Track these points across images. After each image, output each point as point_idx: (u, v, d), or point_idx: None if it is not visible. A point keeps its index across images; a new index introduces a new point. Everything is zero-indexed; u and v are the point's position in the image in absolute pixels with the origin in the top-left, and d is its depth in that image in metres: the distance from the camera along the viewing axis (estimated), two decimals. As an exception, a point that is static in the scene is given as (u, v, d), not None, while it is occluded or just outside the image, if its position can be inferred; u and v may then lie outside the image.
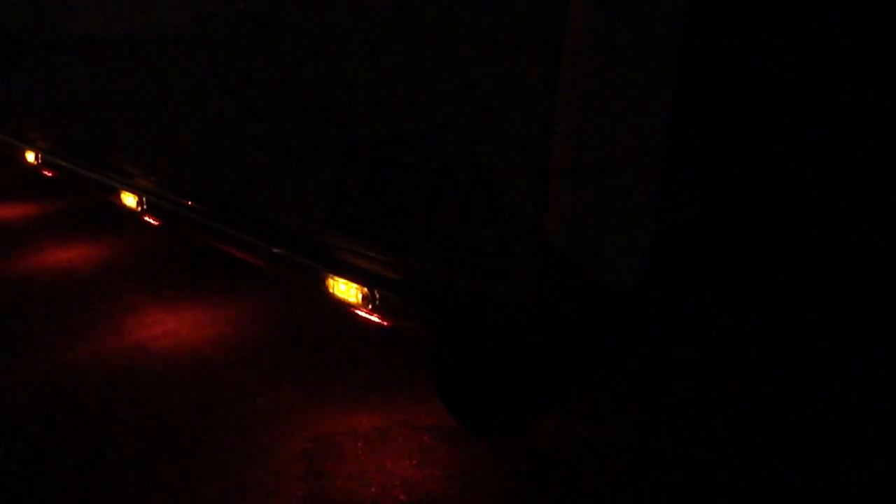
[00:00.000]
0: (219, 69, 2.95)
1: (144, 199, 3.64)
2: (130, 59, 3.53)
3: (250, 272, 3.79)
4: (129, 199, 3.74)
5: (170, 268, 4.33)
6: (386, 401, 2.80)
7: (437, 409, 2.59)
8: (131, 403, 2.78)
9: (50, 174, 4.81)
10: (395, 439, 2.54)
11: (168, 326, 3.45)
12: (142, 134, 3.64)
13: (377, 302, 2.38)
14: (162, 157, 3.55)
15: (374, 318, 2.45)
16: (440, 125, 2.06)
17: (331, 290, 2.54)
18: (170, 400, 2.80)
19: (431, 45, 2.05)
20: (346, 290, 2.47)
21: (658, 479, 2.36)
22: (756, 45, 2.57)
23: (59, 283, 4.02)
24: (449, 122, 2.03)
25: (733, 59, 2.51)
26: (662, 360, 3.09)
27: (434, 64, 2.04)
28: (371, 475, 2.34)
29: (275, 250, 2.85)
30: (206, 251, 4.10)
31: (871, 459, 2.47)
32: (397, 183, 2.20)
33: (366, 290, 2.39)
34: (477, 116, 1.95)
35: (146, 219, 3.73)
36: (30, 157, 4.83)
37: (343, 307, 2.52)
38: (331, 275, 2.52)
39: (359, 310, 2.46)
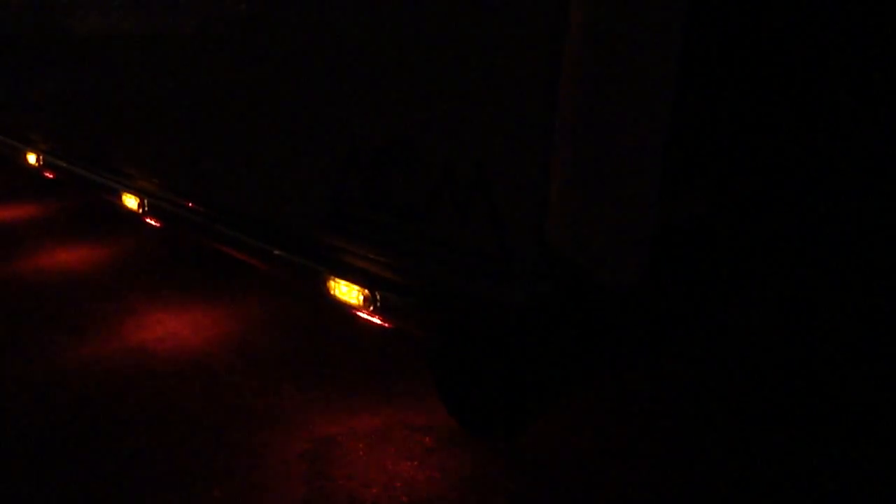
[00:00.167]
0: (220, 70, 2.95)
1: (145, 200, 3.64)
2: (132, 60, 3.53)
3: (251, 274, 3.80)
4: (131, 201, 3.74)
5: (171, 269, 4.34)
6: (387, 402, 2.80)
7: (438, 411, 2.59)
8: (132, 405, 2.78)
9: (51, 176, 4.81)
10: (396, 440, 2.54)
11: (169, 328, 3.46)
12: (143, 135, 3.65)
13: (378, 303, 2.38)
14: (163, 159, 3.55)
15: (375, 320, 2.45)
16: (441, 126, 2.06)
17: (332, 292, 2.54)
18: (170, 401, 2.80)
19: (432, 46, 2.05)
20: (347, 291, 2.47)
21: (658, 478, 2.36)
22: (757, 45, 2.57)
23: (60, 285, 4.02)
24: (450, 123, 2.03)
25: (734, 59, 2.51)
26: (662, 361, 3.09)
27: (435, 65, 2.04)
28: (372, 476, 2.34)
29: (276, 252, 2.85)
30: (207, 253, 4.11)
31: (871, 460, 2.46)
32: (398, 184, 2.20)
33: (367, 291, 2.39)
34: (477, 117, 1.95)
35: (147, 220, 3.74)
36: (31, 158, 4.84)
37: (344, 309, 2.53)
38: (332, 276, 2.53)
39: (360, 311, 2.46)
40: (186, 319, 3.56)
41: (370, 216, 2.32)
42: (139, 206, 3.68)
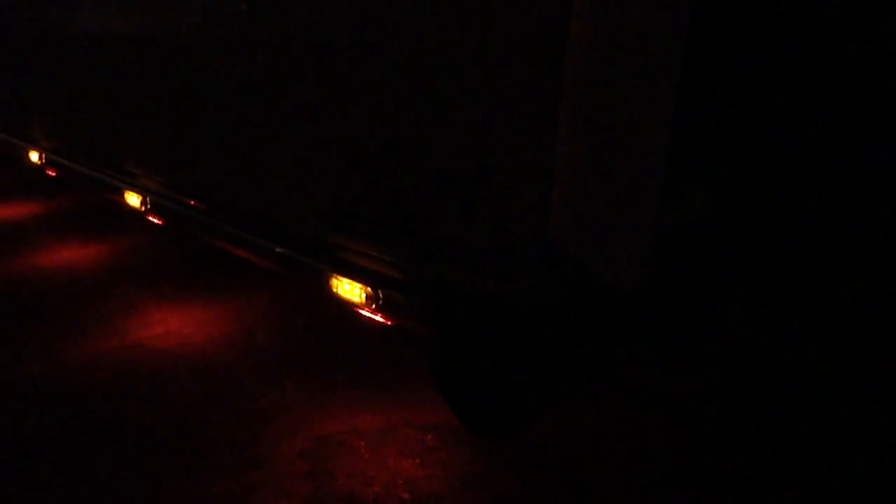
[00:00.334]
0: (223, 70, 2.96)
1: (148, 198, 3.65)
2: (134, 59, 3.54)
3: (254, 272, 3.80)
4: (133, 199, 3.75)
5: (173, 267, 4.34)
6: (388, 400, 2.80)
7: (440, 409, 2.59)
8: (134, 402, 2.79)
9: (53, 174, 4.83)
10: (398, 438, 2.55)
11: (171, 325, 3.46)
12: (146, 134, 3.65)
13: (381, 301, 2.38)
14: (166, 157, 3.56)
15: (378, 318, 2.46)
16: (444, 125, 2.07)
17: (334, 290, 2.54)
18: (172, 399, 2.81)
19: (435, 46, 2.05)
20: (349, 289, 2.48)
21: (659, 477, 2.36)
22: (759, 45, 2.57)
23: (62, 282, 4.03)
24: (453, 122, 2.04)
25: (736, 59, 2.52)
26: (665, 359, 3.09)
27: (438, 64, 2.05)
28: (374, 474, 2.35)
29: (278, 250, 2.86)
30: (209, 251, 4.11)
31: (871, 460, 2.47)
32: (401, 183, 2.20)
33: (369, 289, 2.40)
34: (481, 117, 1.96)
35: (150, 218, 3.75)
36: (33, 156, 4.85)
37: (347, 307, 2.53)
38: (334, 274, 2.53)
39: (362, 309, 2.47)
40: (188, 317, 3.57)
41: (373, 215, 2.32)
42: (141, 203, 3.69)
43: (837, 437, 2.60)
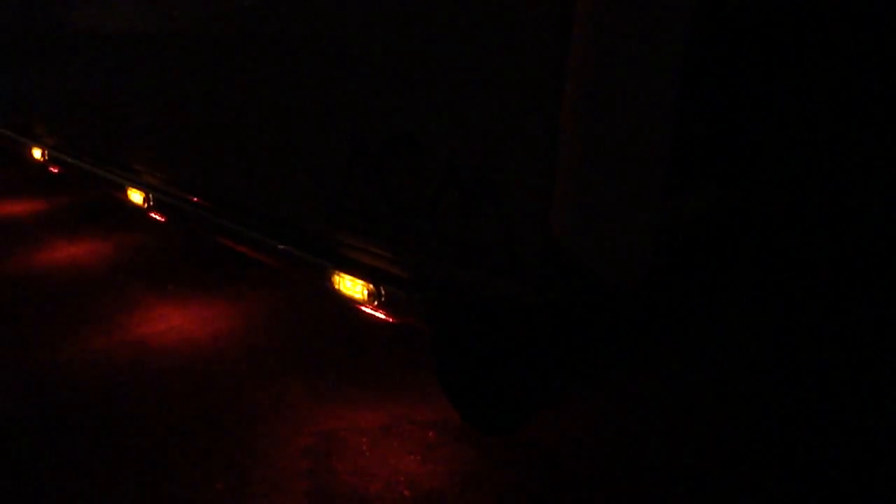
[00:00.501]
0: (225, 66, 2.96)
1: (151, 195, 3.65)
2: (137, 56, 3.54)
3: (256, 268, 3.81)
4: (136, 196, 3.76)
5: (175, 264, 4.35)
6: (390, 397, 2.81)
7: (441, 406, 2.60)
8: (136, 399, 2.80)
9: (56, 170, 4.83)
10: (399, 435, 2.55)
11: (173, 322, 3.47)
12: (148, 130, 3.66)
13: (383, 298, 2.38)
14: (168, 154, 3.57)
15: (380, 315, 2.46)
16: (446, 122, 2.07)
17: (336, 287, 2.55)
18: (174, 395, 2.82)
19: (437, 43, 2.05)
20: (351, 286, 2.48)
21: (659, 476, 2.37)
22: (760, 43, 2.57)
23: (64, 279, 4.04)
24: (455, 119, 2.04)
25: (738, 57, 2.52)
26: (665, 357, 3.10)
27: (440, 61, 2.05)
28: (375, 471, 2.35)
29: (281, 247, 2.86)
30: (212, 248, 4.12)
31: (870, 461, 2.47)
32: (403, 180, 2.21)
33: (371, 286, 2.40)
34: (483, 114, 1.96)
35: (152, 215, 3.75)
36: (36, 153, 4.85)
37: (348, 303, 2.53)
38: (337, 271, 2.53)
39: (364, 306, 2.47)
40: (190, 314, 3.58)
41: (375, 212, 2.33)
42: (144, 200, 3.69)
43: (836, 437, 2.60)
